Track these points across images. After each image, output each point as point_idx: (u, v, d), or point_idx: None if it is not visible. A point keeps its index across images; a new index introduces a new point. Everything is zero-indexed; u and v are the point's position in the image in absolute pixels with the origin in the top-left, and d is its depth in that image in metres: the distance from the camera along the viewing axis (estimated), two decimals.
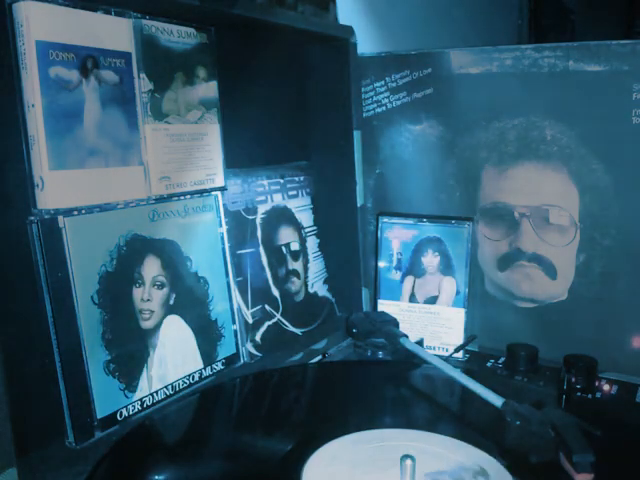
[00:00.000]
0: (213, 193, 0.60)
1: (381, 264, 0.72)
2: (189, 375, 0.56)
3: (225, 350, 0.60)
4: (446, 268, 0.69)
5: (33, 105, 0.43)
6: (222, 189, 0.61)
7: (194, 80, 0.57)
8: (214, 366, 0.59)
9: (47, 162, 0.44)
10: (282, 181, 0.69)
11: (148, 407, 0.52)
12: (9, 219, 0.44)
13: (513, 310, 0.69)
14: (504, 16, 1.65)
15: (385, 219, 0.72)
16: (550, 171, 0.65)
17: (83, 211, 0.47)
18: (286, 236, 0.69)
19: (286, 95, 0.71)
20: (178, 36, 0.55)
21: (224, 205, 0.61)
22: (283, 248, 0.69)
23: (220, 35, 0.59)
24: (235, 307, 0.61)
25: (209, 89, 0.58)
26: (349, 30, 0.72)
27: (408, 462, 0.38)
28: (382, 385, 0.58)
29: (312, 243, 0.73)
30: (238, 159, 0.63)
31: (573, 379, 0.57)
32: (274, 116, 0.69)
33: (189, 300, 0.56)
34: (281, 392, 0.57)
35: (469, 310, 0.68)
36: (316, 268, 0.73)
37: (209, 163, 0.59)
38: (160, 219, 0.54)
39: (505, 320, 0.69)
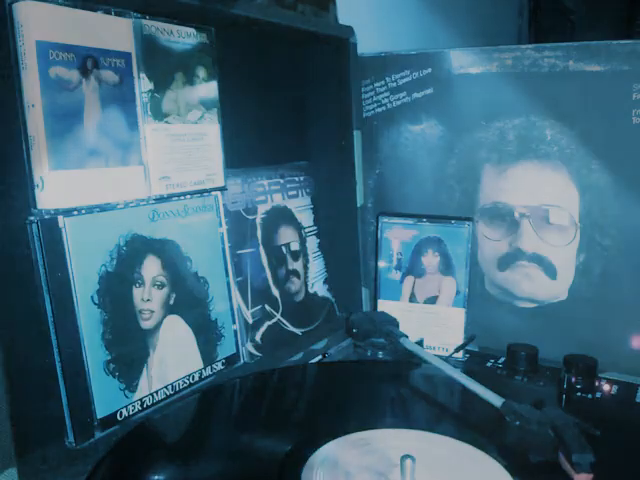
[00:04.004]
0: (213, 193, 0.60)
1: (381, 264, 0.72)
2: (189, 375, 0.56)
3: (225, 350, 0.60)
4: (446, 268, 0.69)
5: (33, 105, 0.43)
6: (222, 189, 0.61)
7: (194, 80, 0.57)
8: (214, 366, 0.59)
9: (47, 162, 0.44)
10: (282, 181, 0.69)
11: (148, 407, 0.52)
12: (9, 219, 0.44)
13: (513, 310, 0.69)
14: (504, 16, 1.65)
15: (385, 219, 0.72)
16: (550, 171, 0.65)
17: (83, 211, 0.47)
18: (286, 236, 0.69)
19: (286, 95, 0.71)
20: (178, 36, 0.55)
21: (224, 205, 0.61)
22: (283, 248, 0.69)
23: (220, 35, 0.59)
24: (235, 307, 0.61)
25: (209, 89, 0.58)
26: (349, 30, 0.72)
27: (408, 462, 0.38)
28: (382, 385, 0.58)
29: (312, 243, 0.73)
30: (238, 159, 0.63)
31: (573, 379, 0.57)
32: (274, 116, 0.69)
33: (189, 300, 0.56)
34: (281, 392, 0.57)
35: (469, 310, 0.68)
36: (316, 268, 0.73)
37: (209, 163, 0.59)
38: (160, 219, 0.54)
39: (505, 320, 0.69)
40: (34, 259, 0.45)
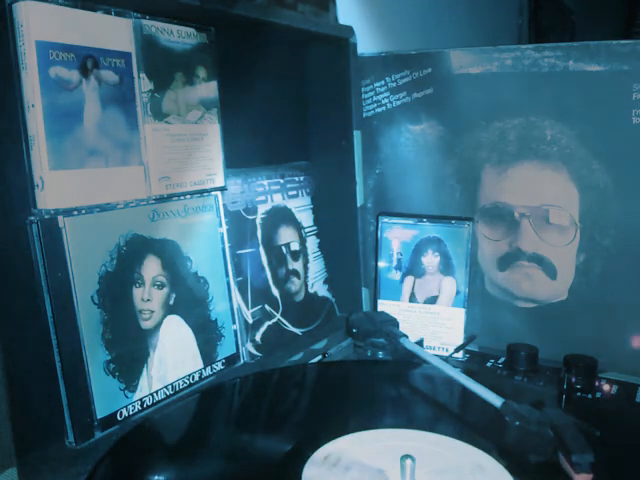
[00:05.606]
0: (213, 193, 0.60)
1: (381, 264, 0.72)
2: (189, 375, 0.56)
3: (225, 350, 0.60)
4: (446, 268, 0.69)
5: (33, 105, 0.43)
6: (222, 189, 0.61)
7: (194, 80, 0.57)
8: (214, 366, 0.59)
9: (47, 162, 0.44)
10: (282, 181, 0.69)
11: (148, 407, 0.52)
12: (9, 219, 0.44)
13: (513, 310, 0.69)
14: (504, 16, 1.65)
15: (385, 219, 0.72)
16: (550, 171, 0.65)
17: (83, 211, 0.47)
18: (286, 236, 0.69)
19: (286, 95, 0.71)
20: (178, 36, 0.55)
21: (224, 205, 0.61)
22: (283, 248, 0.69)
23: (220, 35, 0.59)
24: (235, 307, 0.62)
25: (209, 89, 0.58)
26: (349, 30, 0.72)
27: (408, 462, 0.38)
28: (382, 385, 0.58)
29: (312, 243, 0.73)
30: (238, 159, 0.63)
31: (573, 379, 0.57)
32: (274, 116, 0.69)
33: (189, 300, 0.56)
34: (281, 392, 0.57)
35: (469, 310, 0.68)
36: (316, 268, 0.73)
37: (209, 163, 0.59)
38: (160, 219, 0.54)
39: (505, 320, 0.69)
40: (34, 259, 0.45)
